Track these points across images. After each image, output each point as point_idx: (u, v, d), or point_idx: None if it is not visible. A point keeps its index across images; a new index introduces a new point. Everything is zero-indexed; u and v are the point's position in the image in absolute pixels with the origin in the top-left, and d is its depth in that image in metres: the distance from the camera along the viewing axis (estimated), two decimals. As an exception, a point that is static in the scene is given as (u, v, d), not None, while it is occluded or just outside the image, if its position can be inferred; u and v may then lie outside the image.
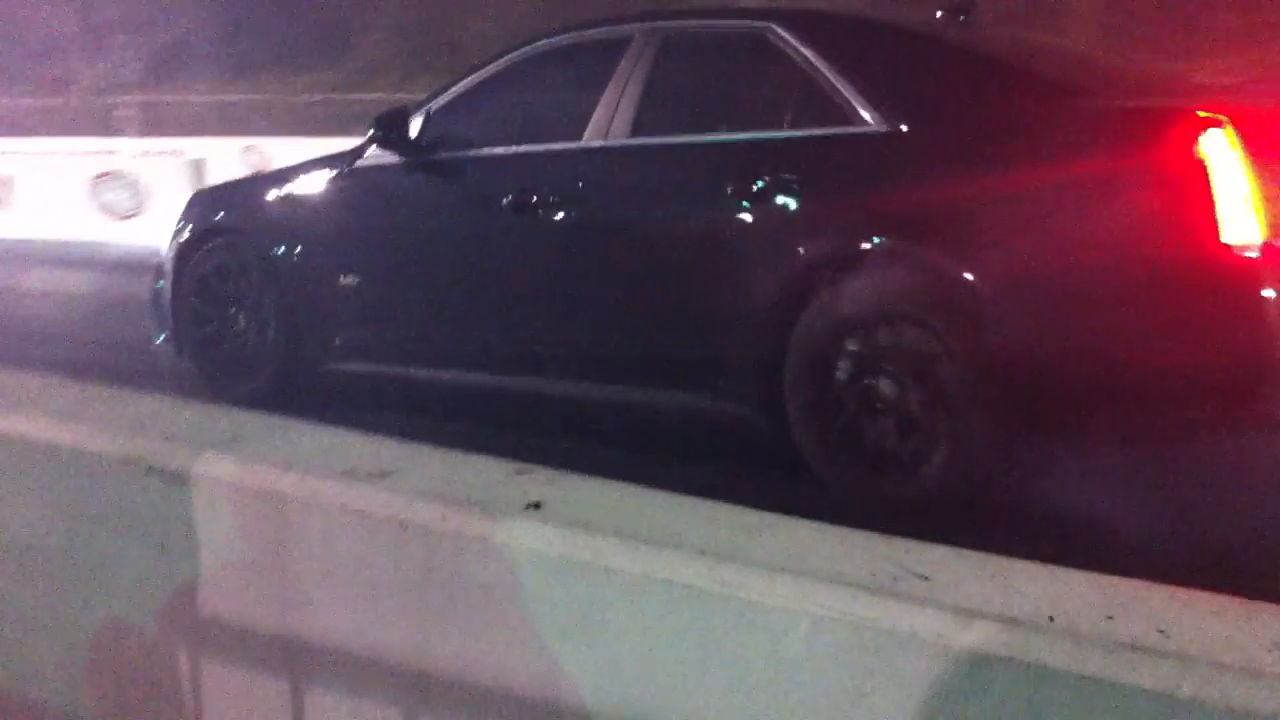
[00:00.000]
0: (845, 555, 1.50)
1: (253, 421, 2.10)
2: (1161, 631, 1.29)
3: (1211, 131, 3.82)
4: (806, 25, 4.86)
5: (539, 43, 5.54)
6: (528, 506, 1.68)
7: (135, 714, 2.05)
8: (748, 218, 4.53)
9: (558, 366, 5.07)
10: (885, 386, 4.13)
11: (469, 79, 5.58)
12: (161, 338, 6.08)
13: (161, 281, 6.10)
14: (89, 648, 2.08)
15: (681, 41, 5.10)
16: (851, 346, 4.19)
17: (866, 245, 4.24)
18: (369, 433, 2.01)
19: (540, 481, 1.77)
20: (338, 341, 5.62)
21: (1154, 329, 3.86)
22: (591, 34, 5.44)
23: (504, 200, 5.09)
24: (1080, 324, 3.93)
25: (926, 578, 1.42)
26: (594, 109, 5.05)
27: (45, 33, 30.41)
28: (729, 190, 4.54)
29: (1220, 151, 3.78)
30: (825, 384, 4.26)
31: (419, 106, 5.64)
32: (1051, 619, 1.32)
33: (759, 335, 4.43)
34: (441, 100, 5.62)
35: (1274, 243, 3.71)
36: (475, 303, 5.33)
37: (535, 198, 5.03)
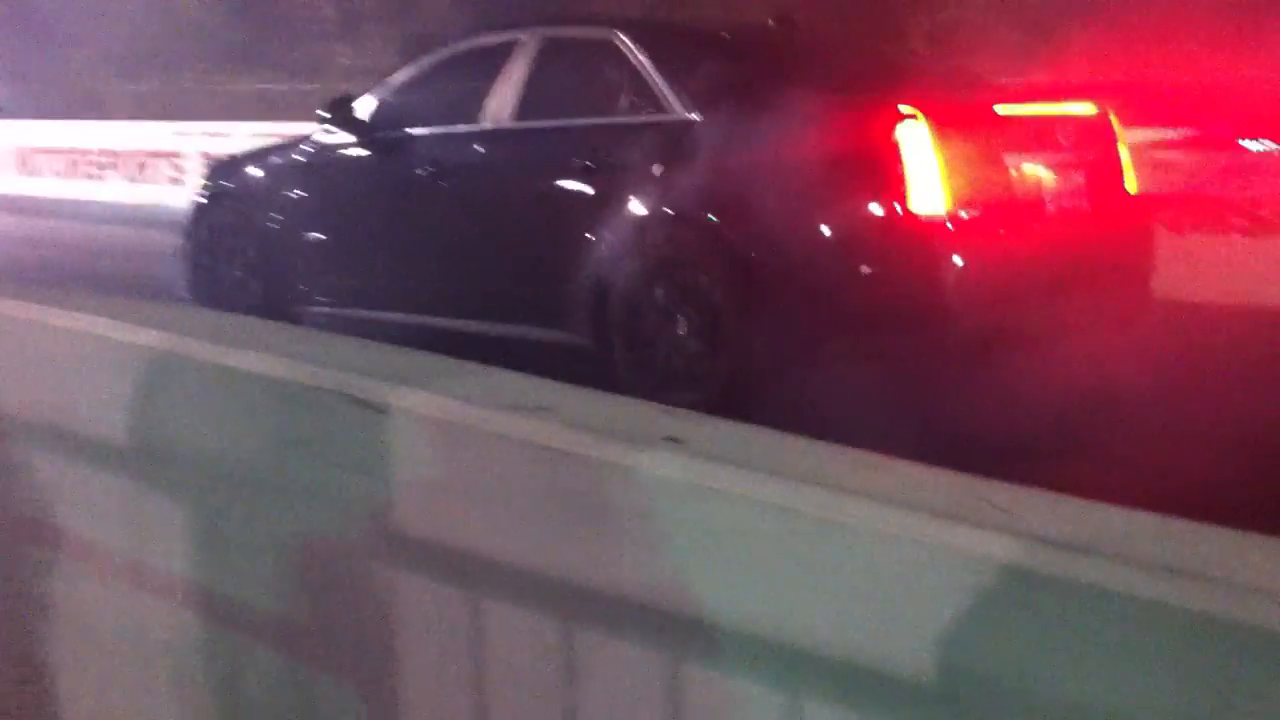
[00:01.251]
0: (936, 488, 1.68)
1: (439, 362, 2.38)
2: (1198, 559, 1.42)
3: (907, 123, 4.94)
4: (639, 30, 6.12)
5: (457, 43, 7.03)
6: (666, 439, 1.90)
7: (338, 619, 2.35)
8: (586, 186, 5.75)
9: (450, 306, 6.35)
10: (678, 319, 5.33)
11: (406, 70, 7.06)
12: (184, 286, 7.57)
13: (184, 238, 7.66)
14: (299, 560, 2.39)
15: (554, 43, 6.33)
16: (655, 288, 5.42)
17: (665, 208, 5.48)
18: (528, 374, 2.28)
19: (679, 419, 1.99)
20: (304, 288, 7.05)
21: (861, 275, 5.03)
22: (492, 37, 6.75)
23: (419, 171, 6.45)
24: (809, 271, 5.07)
25: (1003, 509, 1.58)
26: (488, 98, 6.32)
27: (302, 18, 31.95)
28: (571, 163, 5.79)
29: (912, 139, 4.91)
30: (636, 318, 5.48)
31: (371, 91, 7.07)
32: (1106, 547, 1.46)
33: (593, 280, 5.64)
34: (384, 88, 7.03)
35: (960, 213, 4.97)
36: (399, 255, 6.63)
37: (441, 169, 6.35)
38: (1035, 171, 5.43)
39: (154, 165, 18.13)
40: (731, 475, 1.76)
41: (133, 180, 18.44)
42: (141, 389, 2.62)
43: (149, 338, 2.61)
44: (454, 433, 2.11)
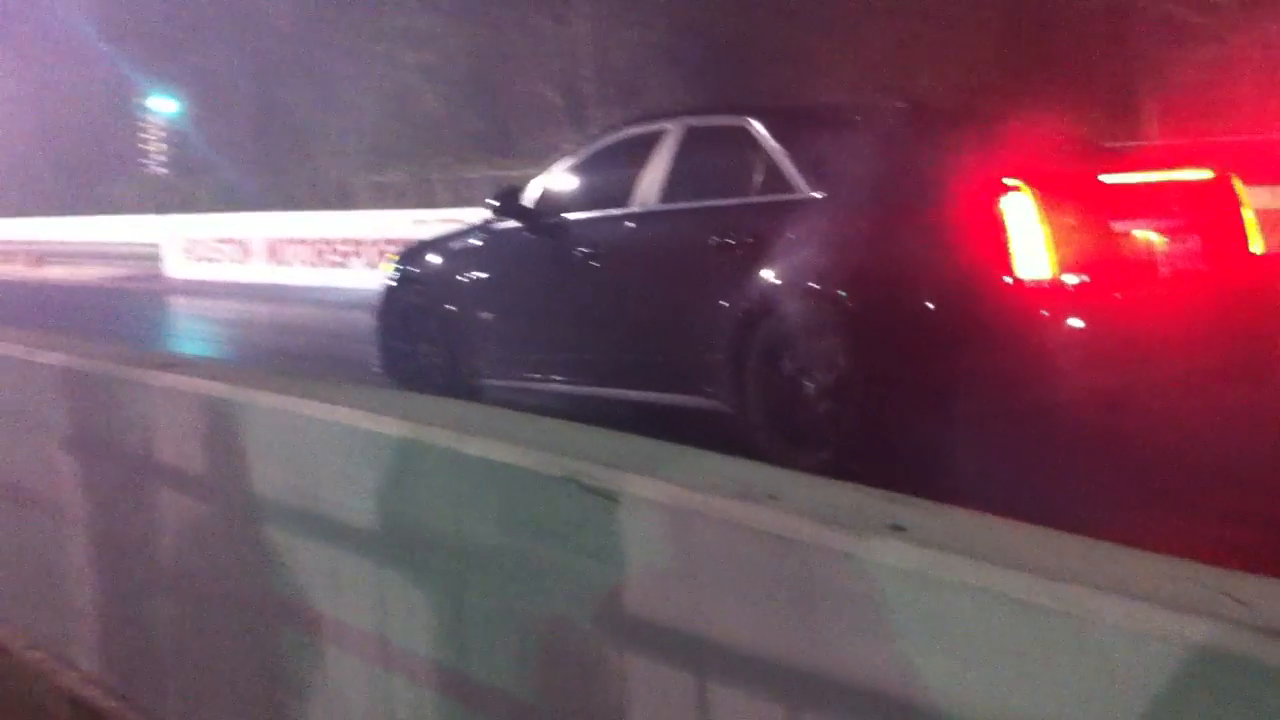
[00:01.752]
0: (1169, 580, 1.63)
1: (666, 449, 2.43)
2: None
3: (1011, 194, 5.17)
4: (768, 116, 6.49)
5: (612, 133, 7.57)
6: (891, 527, 1.90)
7: (570, 699, 2.41)
8: (723, 262, 6.09)
9: (607, 376, 6.80)
10: (806, 384, 5.62)
11: (568, 159, 7.61)
12: (378, 364, 8.14)
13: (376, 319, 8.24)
14: (533, 640, 2.47)
15: (695, 131, 6.78)
16: (785, 355, 5.73)
17: (792, 281, 5.77)
18: (756, 460, 2.31)
19: (904, 506, 1.99)
20: (479, 363, 7.58)
21: (970, 340, 5.20)
22: (642, 127, 7.25)
23: (576, 252, 6.93)
24: (924, 336, 5.33)
25: (1243, 602, 1.53)
26: (637, 183, 6.78)
27: (533, 108, 32.95)
28: (710, 241, 6.17)
29: (1016, 209, 5.16)
30: (769, 383, 5.79)
31: (537, 179, 7.56)
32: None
33: (730, 349, 5.95)
34: (547, 177, 7.55)
35: (1065, 278, 5.16)
36: (560, 331, 7.11)
37: (596, 249, 6.84)
38: (1146, 237, 5.55)
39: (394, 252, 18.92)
40: (959, 565, 1.76)
41: (373, 266, 19.31)
42: (386, 475, 2.76)
43: (393, 426, 2.74)
44: (682, 519, 2.15)
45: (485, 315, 7.58)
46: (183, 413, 3.48)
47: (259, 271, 21.92)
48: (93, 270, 27.62)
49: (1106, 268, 5.37)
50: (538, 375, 7.29)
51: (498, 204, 7.60)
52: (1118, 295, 5.40)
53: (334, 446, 2.92)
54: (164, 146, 39.03)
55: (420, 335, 7.91)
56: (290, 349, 10.08)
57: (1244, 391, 5.97)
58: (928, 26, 30.65)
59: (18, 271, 28.27)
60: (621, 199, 6.91)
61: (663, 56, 35.54)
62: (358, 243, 20.05)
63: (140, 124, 41.08)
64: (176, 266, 24.07)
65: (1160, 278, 5.54)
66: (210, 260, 23.27)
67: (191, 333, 15.97)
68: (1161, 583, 1.63)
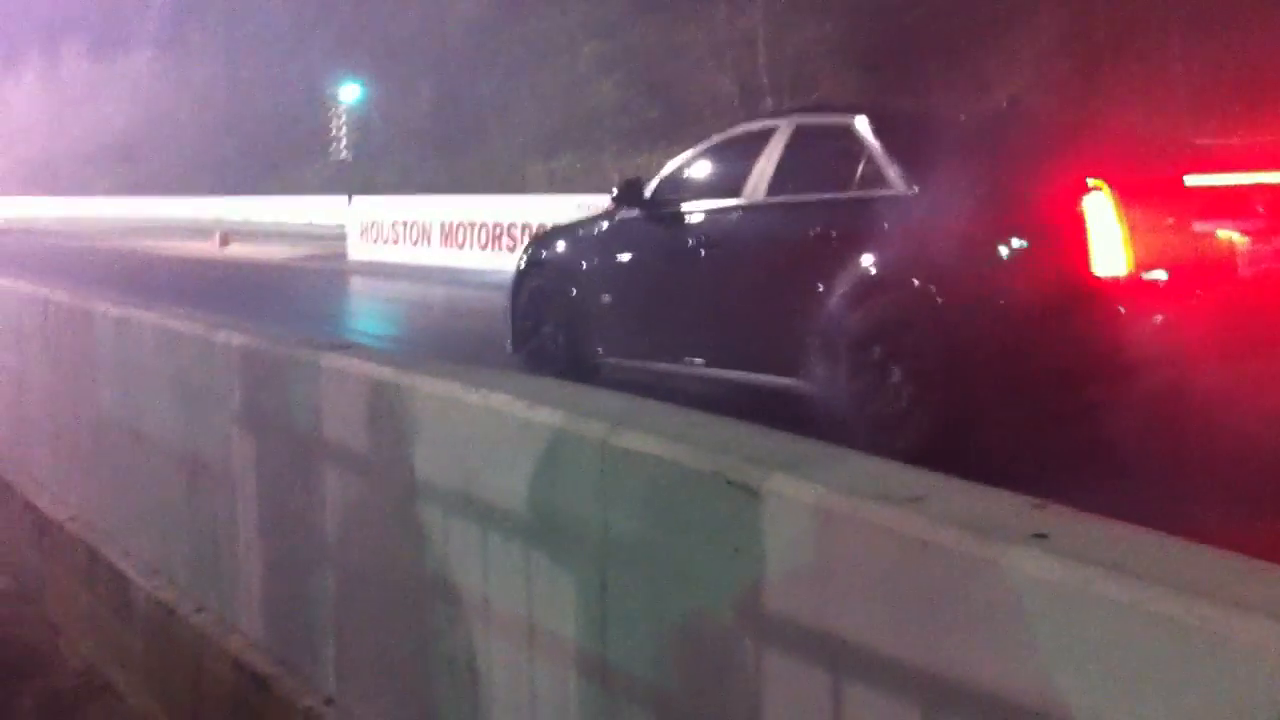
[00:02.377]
0: (1319, 602, 1.58)
1: (813, 448, 2.44)
2: None
3: (1092, 194, 5.37)
4: (874, 114, 6.80)
5: (727, 131, 8.00)
6: (1034, 536, 1.88)
7: (706, 692, 2.43)
8: (821, 254, 6.39)
9: (713, 358, 7.17)
10: (894, 372, 5.87)
11: (685, 154, 8.05)
12: (509, 343, 8.74)
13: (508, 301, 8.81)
14: (674, 632, 2.50)
15: (804, 129, 7.15)
16: (874, 344, 5.99)
17: (884, 273, 6.09)
18: (906, 464, 2.30)
19: (1050, 515, 1.96)
20: (600, 344, 8.07)
21: (1049, 334, 5.42)
22: (755, 124, 7.75)
23: (691, 241, 7.37)
24: (1005, 329, 5.55)
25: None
26: (748, 177, 7.13)
27: (707, 95, 32.97)
28: (811, 234, 6.51)
29: (1096, 208, 5.36)
30: (859, 370, 6.04)
31: (660, 173, 8.05)
32: None
33: (824, 336, 6.25)
34: (667, 169, 8.04)
35: (1143, 275, 5.36)
36: (679, 314, 7.50)
37: (708, 239, 7.25)
38: (1228, 237, 5.64)
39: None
40: (1100, 577, 1.73)
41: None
42: (538, 462, 2.82)
43: (547, 415, 2.80)
44: (824, 519, 2.16)
45: (604, 299, 8.07)
46: (349, 394, 3.60)
47: (435, 254, 22.41)
48: (277, 250, 28.58)
49: (1185, 267, 5.54)
50: (650, 356, 7.76)
51: (619, 193, 8.13)
52: (1197, 294, 5.55)
53: (490, 432, 3.00)
54: (347, 131, 40.14)
55: (545, 317, 8.45)
56: (460, 330, 10.39)
57: None
58: (1103, 19, 29.82)
59: (206, 250, 29.42)
60: (733, 191, 7.30)
61: (836, 48, 35.24)
62: (529, 227, 20.37)
63: (326, 109, 42.34)
64: (356, 248, 24.75)
65: (1241, 278, 5.64)
66: (389, 242, 23.86)
67: (366, 312, 16.42)
68: (1310, 605, 1.58)
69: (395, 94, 54.42)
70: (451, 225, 22.47)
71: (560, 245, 8.73)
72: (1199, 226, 5.60)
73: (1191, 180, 5.73)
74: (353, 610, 3.63)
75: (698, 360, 7.34)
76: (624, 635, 2.61)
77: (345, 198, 27.61)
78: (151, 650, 4.81)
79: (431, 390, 3.23)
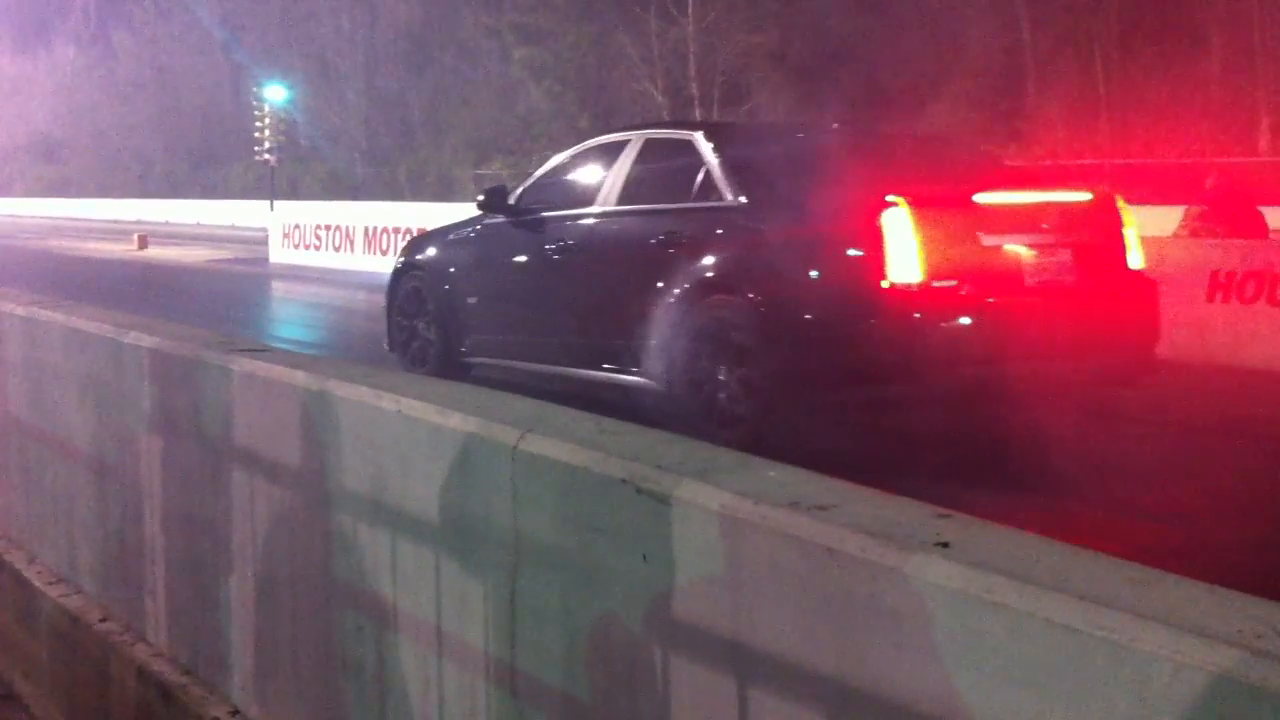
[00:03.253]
0: (1214, 611, 1.60)
1: (723, 456, 2.43)
2: None
3: (891, 209, 5.91)
4: (712, 130, 7.51)
5: (585, 143, 8.50)
6: (937, 544, 1.88)
7: (617, 697, 2.42)
8: (662, 259, 6.93)
9: (567, 357, 7.69)
10: (721, 368, 6.41)
11: (547, 164, 8.62)
12: (386, 343, 9.22)
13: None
14: (587, 636, 2.48)
15: (652, 142, 7.75)
16: (704, 342, 6.55)
17: (714, 275, 6.63)
18: (815, 471, 2.30)
19: (954, 525, 1.97)
20: (468, 343, 8.55)
21: (853, 334, 6.02)
22: (609, 137, 8.26)
23: (548, 246, 7.88)
24: (815, 331, 6.13)
25: (1292, 639, 1.49)
26: (600, 186, 7.72)
27: (638, 104, 33.02)
28: (653, 240, 7.06)
29: (894, 223, 5.89)
30: (692, 366, 6.59)
31: (520, 182, 8.63)
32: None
33: (664, 335, 6.75)
34: (531, 178, 8.62)
35: (933, 283, 5.89)
36: (538, 316, 8.00)
37: (564, 243, 7.77)
38: (1016, 250, 6.27)
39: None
40: (1002, 585, 1.73)
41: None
42: (449, 468, 2.79)
43: (458, 421, 2.77)
44: (732, 526, 2.15)
45: (471, 300, 8.59)
46: (261, 398, 3.55)
47: (358, 260, 22.25)
48: (198, 252, 28.21)
49: (975, 276, 6.11)
50: (513, 355, 8.32)
51: (484, 199, 8.63)
52: (987, 300, 6.11)
53: (401, 438, 2.96)
54: (272, 134, 39.73)
55: (419, 316, 8.96)
56: (379, 335, 10.48)
57: (1112, 391, 6.84)
58: (1036, 34, 30.27)
59: (125, 251, 28.96)
60: (588, 200, 7.85)
61: (768, 58, 35.47)
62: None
63: (252, 110, 41.85)
64: (278, 252, 24.51)
65: (1028, 287, 6.24)
66: (311, 247, 23.66)
67: (284, 316, 16.26)
68: (1207, 613, 1.60)
69: (323, 97, 54.00)
70: (375, 230, 22.33)
71: (433, 248, 9.23)
72: (988, 240, 6.20)
73: (981, 198, 6.33)
74: (261, 618, 3.57)
75: (556, 359, 7.89)
76: (533, 642, 2.59)
77: (268, 202, 27.33)
78: (57, 659, 4.70)
79: (344, 395, 3.19)
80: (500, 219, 8.47)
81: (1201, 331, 9.65)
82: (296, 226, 24.38)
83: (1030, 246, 6.28)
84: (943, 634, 1.81)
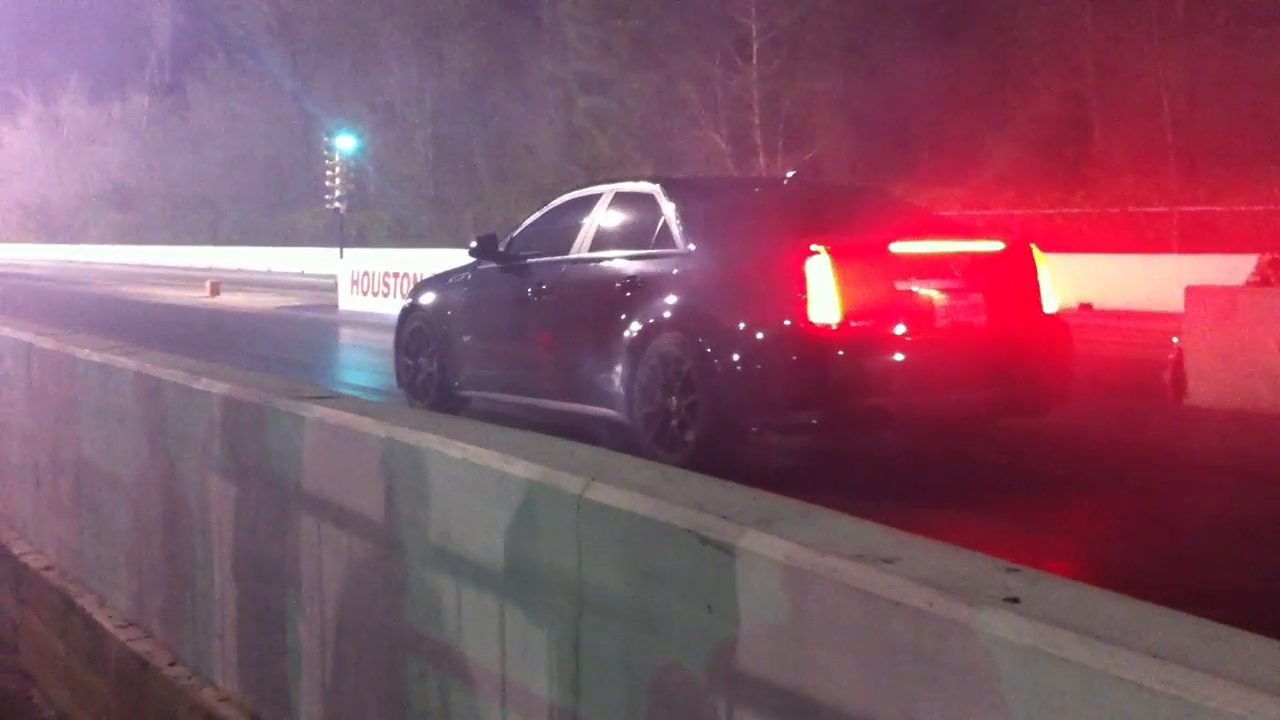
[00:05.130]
0: (1283, 667, 1.57)
1: (785, 506, 2.42)
2: None
3: (814, 257, 6.70)
4: (669, 185, 8.36)
5: (566, 195, 9.38)
6: (1006, 599, 1.86)
7: (681, 749, 2.41)
8: (624, 301, 7.72)
9: (546, 391, 8.51)
10: (671, 399, 7.19)
11: (535, 215, 9.41)
12: (395, 379, 10.07)
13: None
14: (650, 686, 2.47)
15: (620, 195, 8.58)
16: (656, 375, 7.30)
17: (664, 316, 7.45)
18: (882, 524, 2.29)
19: (1022, 579, 1.95)
20: (461, 377, 9.37)
21: (779, 368, 6.86)
22: (586, 191, 9.17)
23: (530, 289, 8.70)
24: (749, 364, 6.93)
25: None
26: (577, 234, 8.52)
27: (702, 151, 33.11)
28: (617, 285, 7.86)
29: (815, 269, 6.68)
30: (646, 397, 7.36)
31: (510, 230, 9.54)
32: None
33: (625, 371, 7.56)
34: (520, 227, 9.42)
35: (850, 323, 6.67)
36: (520, 353, 8.80)
37: (544, 287, 8.59)
38: (928, 294, 6.96)
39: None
40: (1074, 642, 1.71)
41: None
42: (513, 515, 2.80)
43: (522, 469, 2.79)
44: (798, 578, 2.14)
45: (465, 339, 9.42)
46: (328, 445, 3.59)
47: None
48: (268, 299, 28.58)
49: (888, 317, 6.86)
50: (499, 389, 9.13)
51: (476, 247, 9.46)
52: (898, 338, 6.85)
53: (466, 484, 2.98)
54: (342, 181, 40.29)
55: (421, 353, 9.80)
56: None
57: (1019, 420, 7.62)
58: (1102, 81, 30.09)
59: (197, 298, 29.40)
60: (566, 247, 8.65)
61: (832, 105, 35.50)
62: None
63: (322, 159, 42.50)
64: (347, 299, 24.77)
65: (939, 327, 6.96)
66: (380, 295, 23.89)
67: (354, 363, 16.41)
68: (1275, 668, 1.57)
69: (391, 145, 54.70)
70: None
71: (433, 292, 10.13)
72: (902, 285, 6.94)
73: (897, 247, 7.05)
74: (328, 663, 3.59)
75: (535, 392, 8.73)
76: (597, 690, 2.59)
77: (337, 249, 27.68)
78: (125, 702, 4.76)
79: (411, 441, 3.22)
80: (491, 265, 9.34)
81: (1273, 381, 9.48)
82: (365, 274, 24.64)
83: (942, 290, 7.01)
84: (1010, 690, 1.79)
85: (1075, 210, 28.79)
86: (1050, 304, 7.46)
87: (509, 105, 49.78)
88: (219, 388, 4.28)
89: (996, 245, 7.57)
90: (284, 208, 60.67)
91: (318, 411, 3.69)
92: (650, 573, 2.45)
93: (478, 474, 2.94)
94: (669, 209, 7.90)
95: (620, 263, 8.09)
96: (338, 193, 40.18)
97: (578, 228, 8.62)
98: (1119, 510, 6.70)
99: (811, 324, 6.71)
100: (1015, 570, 2.01)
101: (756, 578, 2.23)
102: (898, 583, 1.99)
